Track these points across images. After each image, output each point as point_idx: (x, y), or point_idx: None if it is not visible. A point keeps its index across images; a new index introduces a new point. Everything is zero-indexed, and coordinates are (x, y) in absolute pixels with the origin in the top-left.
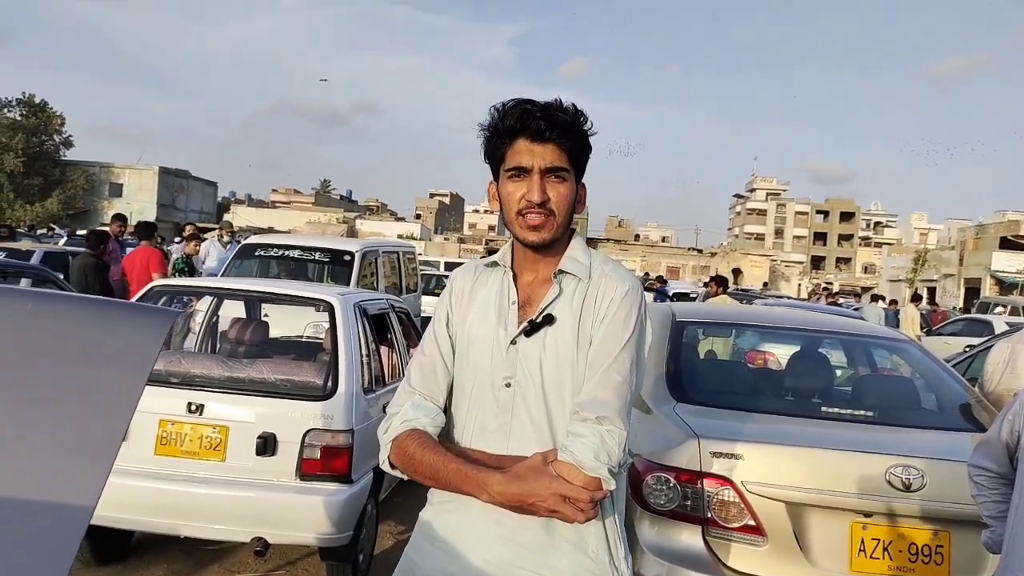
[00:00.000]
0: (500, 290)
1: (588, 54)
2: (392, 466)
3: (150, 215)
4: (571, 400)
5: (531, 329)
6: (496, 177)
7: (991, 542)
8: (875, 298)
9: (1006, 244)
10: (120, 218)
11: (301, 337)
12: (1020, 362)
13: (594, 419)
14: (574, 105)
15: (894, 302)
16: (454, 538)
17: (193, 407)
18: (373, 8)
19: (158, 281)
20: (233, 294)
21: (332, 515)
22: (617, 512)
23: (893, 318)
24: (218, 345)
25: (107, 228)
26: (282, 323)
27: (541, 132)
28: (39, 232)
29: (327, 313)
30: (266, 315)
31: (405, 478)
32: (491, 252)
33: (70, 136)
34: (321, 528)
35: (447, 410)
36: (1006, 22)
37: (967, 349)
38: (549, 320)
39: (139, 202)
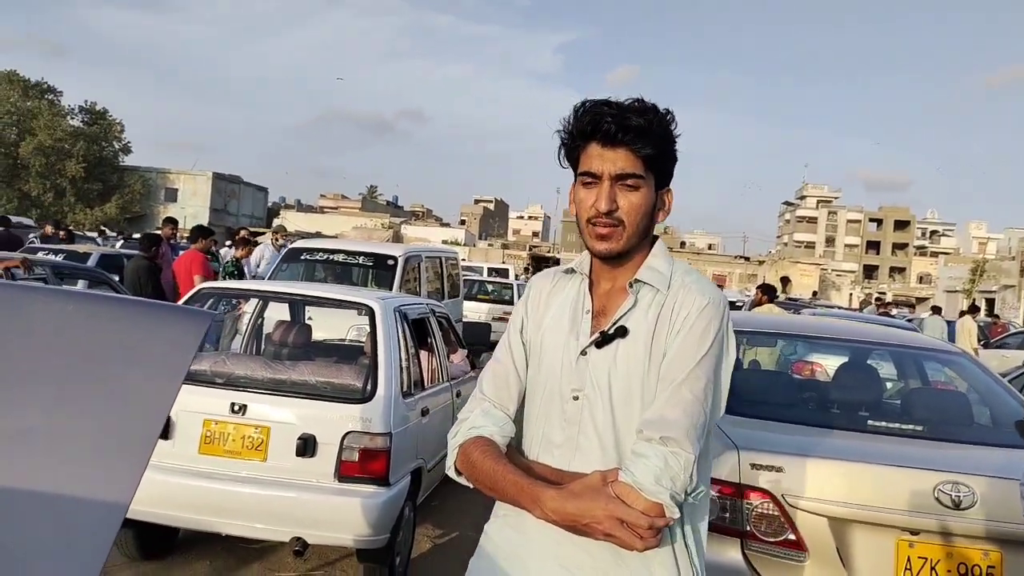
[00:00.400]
0: (576, 298)
1: (636, 62)
2: (458, 472)
3: (203, 219)
4: (640, 418)
5: (602, 340)
6: (575, 179)
7: None
8: (935, 310)
9: None
10: (171, 221)
11: (344, 340)
12: None
13: (658, 439)
14: (655, 106)
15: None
16: (513, 555)
17: (236, 407)
18: (419, 18)
19: (205, 284)
20: (277, 297)
21: (369, 517)
22: (694, 544)
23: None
24: (263, 347)
25: (160, 232)
26: (326, 326)
27: (612, 136)
28: (91, 235)
29: (368, 317)
30: (310, 318)
31: (471, 486)
32: (535, 259)
33: (128, 143)
34: (358, 530)
35: (520, 420)
36: None
37: None
38: (622, 332)
39: (193, 207)
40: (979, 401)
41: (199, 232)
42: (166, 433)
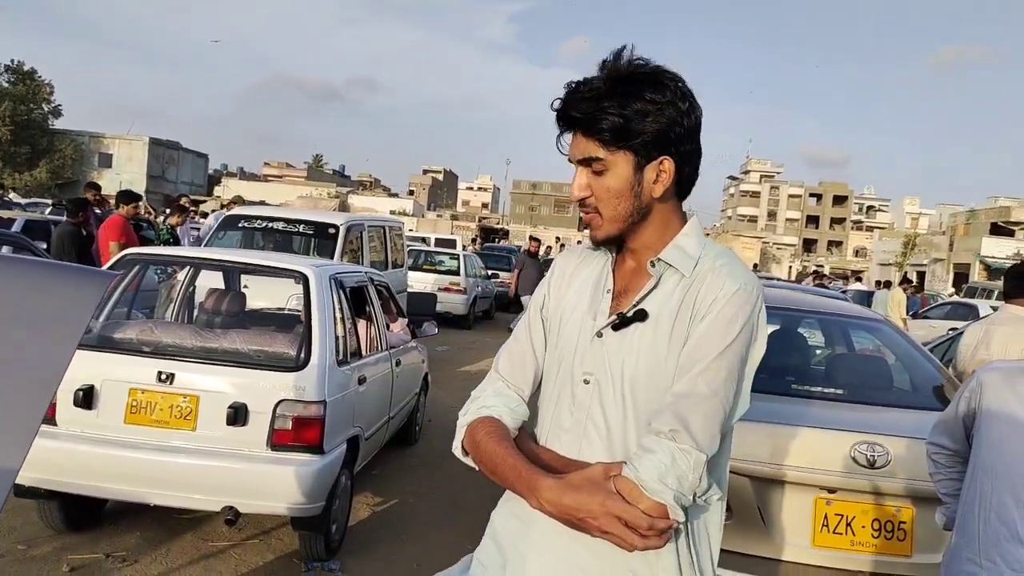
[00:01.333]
0: (599, 276)
1: (588, 33)
2: (464, 452)
3: (139, 186)
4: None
5: (620, 323)
6: None
7: (946, 519)
8: (884, 284)
9: (996, 230)
10: (93, 186)
11: (283, 309)
12: (994, 343)
13: (667, 432)
14: (612, 75)
15: (886, 284)
16: (513, 548)
17: (163, 376)
18: None
19: (128, 250)
20: (208, 264)
21: (303, 485)
22: (707, 551)
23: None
24: (195, 316)
25: (87, 196)
26: (266, 294)
27: (567, 121)
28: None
29: (302, 284)
30: (246, 286)
31: (476, 467)
32: (484, 231)
33: (59, 105)
34: (292, 498)
35: (535, 403)
36: (1001, 13)
37: (951, 332)
38: (641, 316)
39: (129, 173)
40: (898, 367)
41: (122, 197)
42: (89, 403)
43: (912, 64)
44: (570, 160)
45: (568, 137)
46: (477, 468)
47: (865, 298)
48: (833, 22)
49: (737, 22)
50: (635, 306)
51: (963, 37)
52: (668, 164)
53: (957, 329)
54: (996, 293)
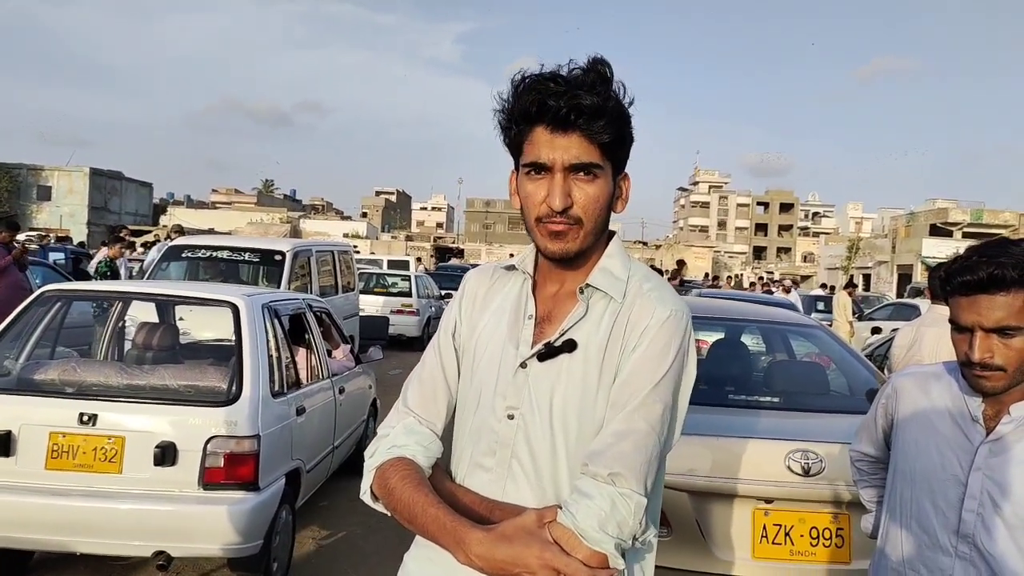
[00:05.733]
0: (517, 300)
1: (534, 53)
2: (374, 497)
3: (81, 218)
4: (586, 446)
5: (546, 353)
6: (517, 167)
7: (871, 527)
8: (826, 287)
9: (935, 231)
10: (11, 226)
11: (223, 341)
12: (924, 344)
13: (606, 476)
14: (605, 71)
15: (828, 287)
16: None
17: (85, 417)
18: (317, 6)
19: (48, 286)
20: (135, 297)
21: (238, 524)
22: None
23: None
24: (125, 351)
25: None
26: (207, 326)
27: (562, 119)
28: None
29: (232, 315)
30: (181, 318)
31: (389, 513)
32: (439, 250)
33: None
34: (226, 539)
35: (448, 436)
36: (930, 26)
37: (893, 332)
38: (569, 346)
39: (69, 205)
40: (834, 372)
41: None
42: (7, 449)
43: (843, 74)
44: (541, 163)
45: (541, 134)
46: (390, 515)
47: (812, 303)
48: (769, 36)
49: (674, 36)
50: (562, 335)
51: (890, 49)
52: (628, 182)
53: (899, 329)
54: None
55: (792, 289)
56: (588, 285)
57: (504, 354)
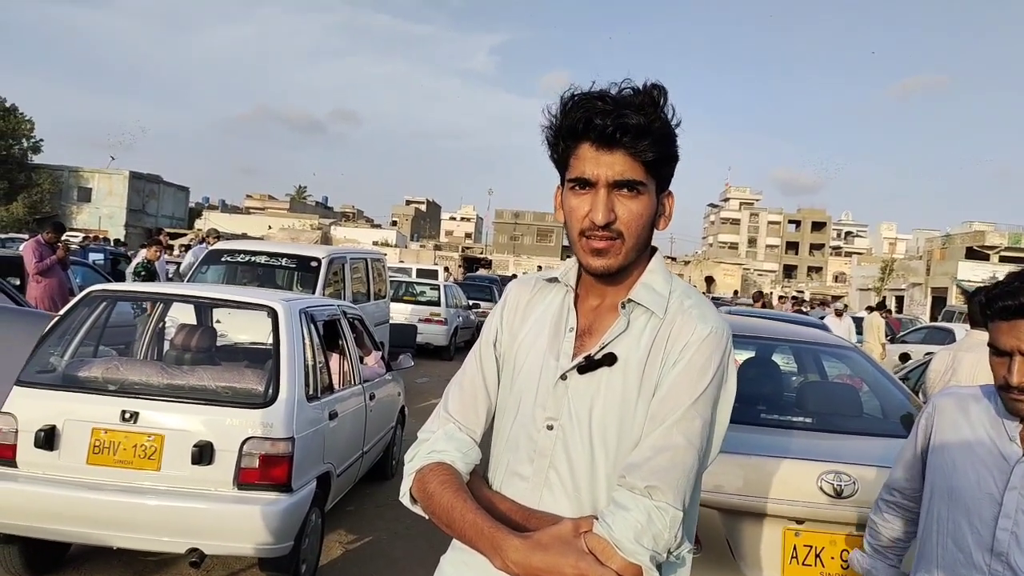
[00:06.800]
0: (559, 312)
1: (568, 67)
2: (413, 500)
3: (119, 220)
4: (624, 459)
5: (587, 366)
6: (563, 182)
7: (860, 567)
8: (869, 309)
9: (972, 254)
10: (57, 228)
11: (259, 344)
12: (961, 370)
13: (643, 489)
14: (656, 96)
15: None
16: None
17: (127, 415)
18: (355, 16)
19: (94, 287)
20: (175, 299)
21: (270, 525)
22: None
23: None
24: (164, 352)
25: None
26: (250, 329)
27: (608, 136)
28: None
29: (271, 319)
30: (218, 321)
31: (427, 516)
32: (467, 260)
33: (39, 141)
34: (259, 538)
35: (487, 443)
36: (966, 46)
37: (927, 356)
38: (610, 359)
39: (108, 207)
40: (868, 394)
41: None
42: (51, 443)
43: (879, 92)
44: (586, 178)
45: (587, 150)
46: (427, 518)
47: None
48: (802, 52)
49: (710, 51)
50: (603, 348)
51: (927, 68)
52: (672, 200)
53: (933, 353)
54: None
55: (843, 313)
56: (630, 300)
57: (544, 365)
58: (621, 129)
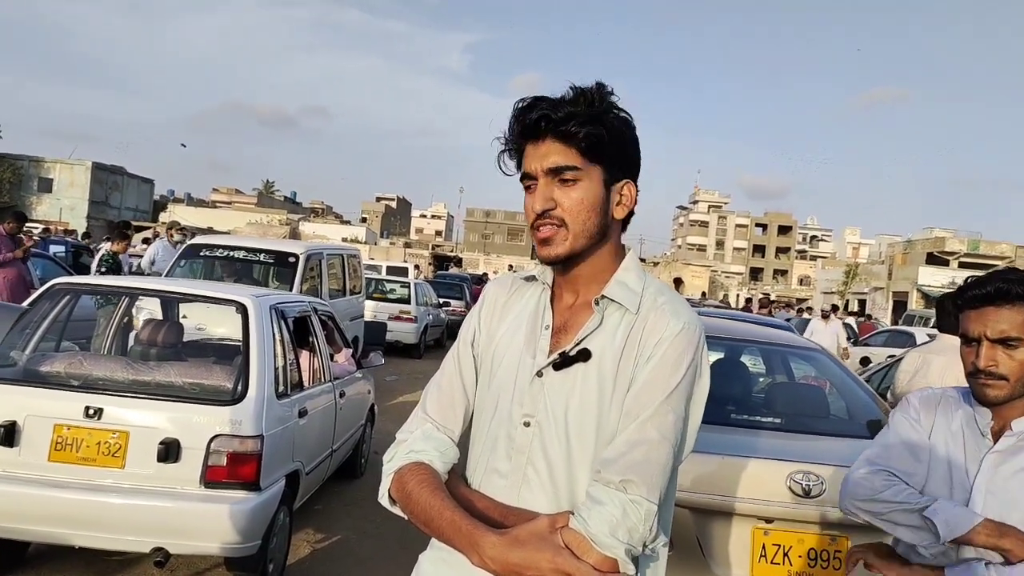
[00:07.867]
0: (535, 310)
1: (539, 69)
2: (392, 501)
3: (81, 212)
4: (600, 454)
5: (562, 362)
6: None
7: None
8: (828, 314)
9: (932, 260)
10: (18, 217)
11: (227, 340)
12: (932, 371)
13: (617, 483)
14: (595, 90)
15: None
16: None
17: (91, 411)
18: (326, 11)
19: (58, 280)
20: (145, 293)
21: (237, 524)
22: None
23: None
24: (129, 347)
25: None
26: (226, 324)
27: (534, 127)
28: None
29: (240, 315)
30: (184, 316)
31: (405, 517)
32: (437, 258)
33: None
34: (226, 537)
35: (465, 442)
36: (927, 56)
37: (889, 359)
38: (584, 355)
39: (70, 198)
40: (834, 395)
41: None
42: (11, 440)
43: (845, 102)
44: (527, 173)
45: (528, 148)
46: (407, 518)
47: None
48: (767, 59)
49: (680, 58)
50: (577, 345)
51: (890, 80)
52: (630, 189)
53: (895, 356)
54: (932, 321)
55: (830, 316)
56: (604, 297)
57: (521, 363)
58: (545, 118)
